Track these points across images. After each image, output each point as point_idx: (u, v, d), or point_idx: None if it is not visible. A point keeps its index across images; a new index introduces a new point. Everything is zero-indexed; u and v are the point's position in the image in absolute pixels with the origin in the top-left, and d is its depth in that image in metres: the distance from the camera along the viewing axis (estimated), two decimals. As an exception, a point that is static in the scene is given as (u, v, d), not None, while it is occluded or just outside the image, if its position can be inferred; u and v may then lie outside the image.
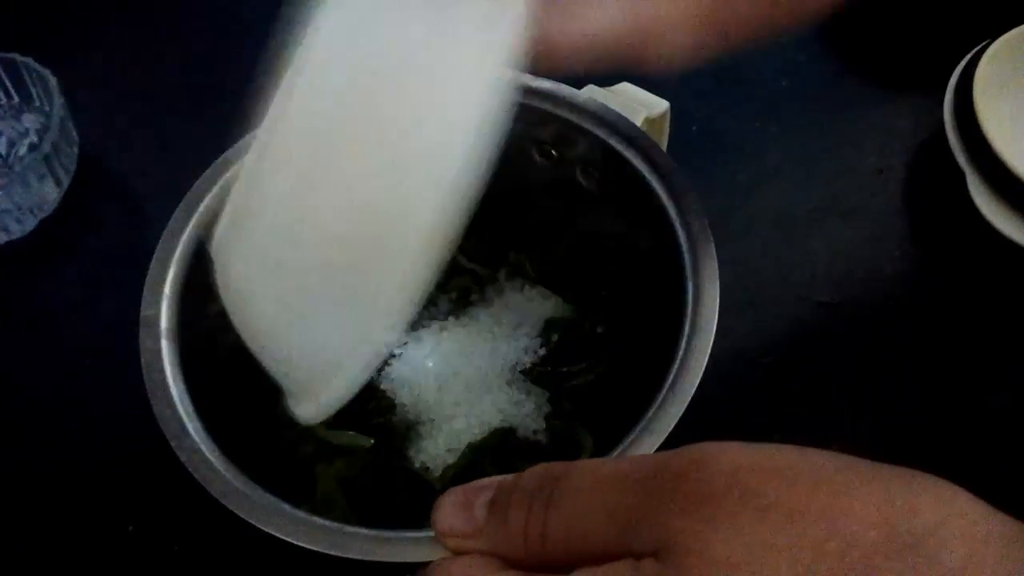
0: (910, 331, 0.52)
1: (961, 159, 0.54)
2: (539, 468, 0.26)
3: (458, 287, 0.45)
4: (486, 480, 0.27)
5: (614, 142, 0.38)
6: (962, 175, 0.54)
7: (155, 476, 0.46)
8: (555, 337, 0.43)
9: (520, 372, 0.42)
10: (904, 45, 0.64)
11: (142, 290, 0.36)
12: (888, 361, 0.51)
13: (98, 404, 0.50)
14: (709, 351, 0.32)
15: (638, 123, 0.39)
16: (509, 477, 0.27)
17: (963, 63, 0.58)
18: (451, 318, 0.44)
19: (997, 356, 0.51)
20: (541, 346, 0.43)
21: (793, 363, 0.51)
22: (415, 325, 0.44)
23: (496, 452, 0.39)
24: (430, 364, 0.41)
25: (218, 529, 0.44)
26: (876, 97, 0.62)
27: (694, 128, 0.59)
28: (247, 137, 0.39)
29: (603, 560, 0.22)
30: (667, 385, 0.31)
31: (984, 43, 0.57)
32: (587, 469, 0.25)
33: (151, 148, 0.61)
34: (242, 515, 0.31)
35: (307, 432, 0.41)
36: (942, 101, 0.56)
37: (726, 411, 0.46)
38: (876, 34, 0.65)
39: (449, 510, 0.27)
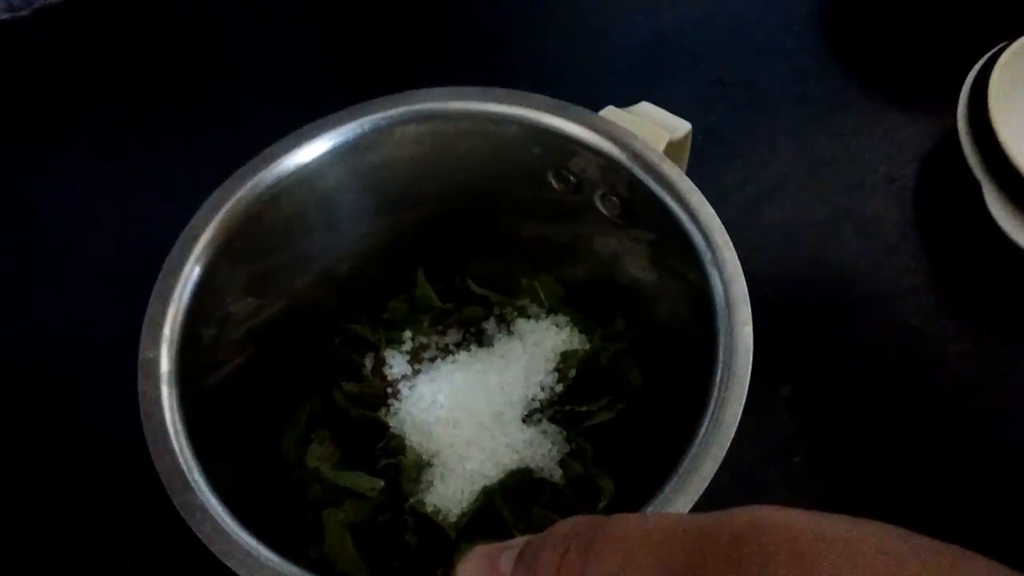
0: (924, 343, 0.51)
1: (977, 169, 0.53)
2: (572, 519, 0.24)
3: (469, 316, 0.43)
4: (512, 540, 0.26)
5: (637, 170, 0.36)
6: (976, 184, 0.53)
7: (154, 514, 0.44)
8: (572, 373, 0.41)
9: (535, 410, 0.40)
10: (915, 50, 0.63)
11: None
12: (901, 373, 0.50)
13: (96, 439, 0.48)
14: (743, 402, 0.30)
15: (661, 147, 0.37)
16: (536, 536, 0.25)
17: (976, 69, 0.56)
18: (462, 351, 0.42)
19: (1012, 367, 0.50)
20: (557, 381, 0.41)
21: (808, 377, 0.50)
22: (423, 358, 0.42)
23: (512, 495, 0.37)
24: (441, 399, 0.39)
25: (217, 570, 0.43)
26: (886, 104, 0.61)
27: (700, 136, 0.57)
28: (245, 166, 0.37)
29: None
30: (699, 439, 0.30)
31: (998, 47, 0.55)
32: (632, 520, 0.23)
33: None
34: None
35: (314, 473, 0.39)
36: (953, 107, 0.55)
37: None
38: (886, 40, 0.64)
39: (473, 563, 0.26)
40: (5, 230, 0.58)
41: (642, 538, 0.22)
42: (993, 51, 0.56)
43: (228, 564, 0.29)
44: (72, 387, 0.50)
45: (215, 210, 0.36)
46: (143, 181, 0.59)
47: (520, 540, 0.25)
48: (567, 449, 0.39)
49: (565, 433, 0.39)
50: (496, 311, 0.45)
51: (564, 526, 0.24)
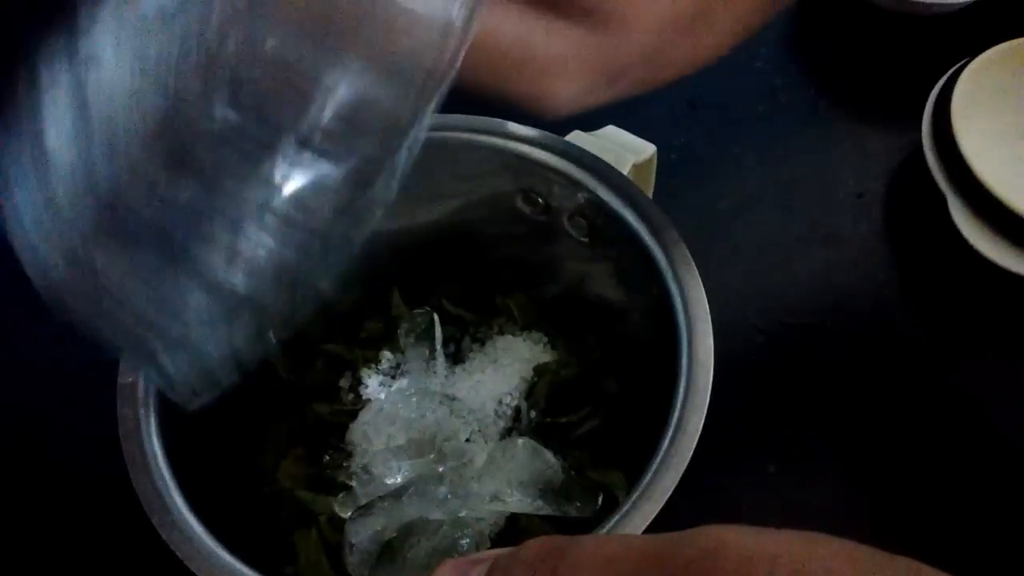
0: (894, 354, 0.52)
1: (941, 182, 0.54)
2: (539, 540, 0.25)
3: (444, 336, 0.44)
4: (481, 553, 0.27)
5: (602, 192, 0.37)
6: (943, 197, 0.54)
7: (132, 536, 0.45)
8: (545, 387, 0.42)
9: (511, 427, 0.41)
10: (880, 68, 0.64)
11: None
12: (872, 385, 0.51)
13: (70, 455, 0.49)
14: (705, 414, 0.31)
15: (625, 171, 0.38)
16: (506, 551, 0.26)
17: (939, 85, 0.58)
18: (434, 379, 0.43)
19: (980, 377, 0.51)
20: (532, 395, 0.42)
21: (777, 389, 0.51)
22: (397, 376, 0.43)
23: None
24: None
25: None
26: (854, 121, 0.63)
27: (673, 156, 0.59)
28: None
29: None
30: (663, 450, 0.31)
31: (960, 64, 0.57)
32: (593, 545, 0.24)
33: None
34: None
35: (286, 493, 0.40)
36: (918, 123, 0.57)
37: (713, 438, 0.46)
38: (852, 58, 0.65)
39: None
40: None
41: (603, 564, 0.23)
42: (955, 67, 0.57)
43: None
44: (49, 411, 0.51)
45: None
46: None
47: (489, 554, 0.26)
48: (562, 462, 0.39)
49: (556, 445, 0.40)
50: (471, 330, 0.46)
51: (531, 548, 0.24)
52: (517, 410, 0.42)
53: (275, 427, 0.43)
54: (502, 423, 0.41)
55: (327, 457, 0.42)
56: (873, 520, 0.47)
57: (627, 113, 0.42)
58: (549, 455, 0.39)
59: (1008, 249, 0.52)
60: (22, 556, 0.46)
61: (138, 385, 0.34)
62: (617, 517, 0.30)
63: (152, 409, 0.34)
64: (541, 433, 0.41)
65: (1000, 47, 0.56)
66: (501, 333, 0.45)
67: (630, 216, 0.36)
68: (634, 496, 0.30)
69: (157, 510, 0.31)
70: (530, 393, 0.42)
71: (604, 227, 0.38)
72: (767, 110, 0.63)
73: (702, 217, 0.57)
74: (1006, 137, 0.55)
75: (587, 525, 0.39)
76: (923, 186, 0.55)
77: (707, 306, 0.34)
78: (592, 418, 0.41)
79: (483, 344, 0.45)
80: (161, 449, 0.33)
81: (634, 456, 0.37)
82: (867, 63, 0.65)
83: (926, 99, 0.57)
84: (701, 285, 0.34)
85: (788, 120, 0.63)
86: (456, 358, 0.45)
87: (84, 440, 0.48)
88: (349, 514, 0.38)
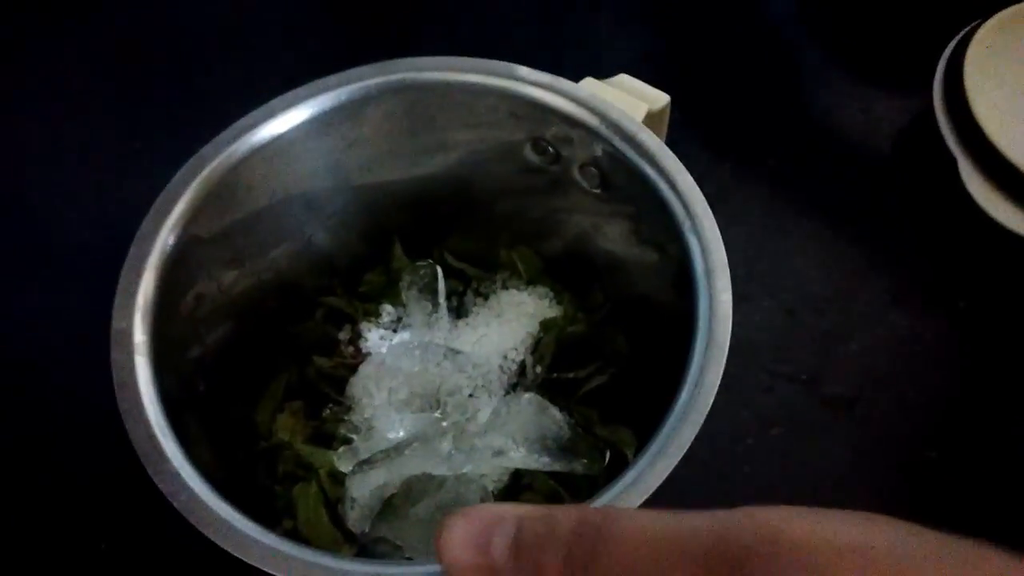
0: (903, 320, 0.51)
1: (952, 145, 0.54)
2: (573, 513, 0.22)
3: (447, 289, 0.43)
4: (501, 509, 0.24)
5: (618, 141, 0.36)
6: (952, 160, 0.53)
7: (127, 492, 0.44)
8: (552, 341, 0.41)
9: (517, 383, 0.40)
10: (891, 27, 0.63)
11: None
12: (879, 350, 0.50)
13: (66, 417, 0.48)
14: (723, 369, 0.30)
15: (640, 119, 0.37)
16: (534, 514, 0.23)
17: (951, 45, 0.57)
18: (437, 333, 0.42)
19: (991, 344, 0.51)
20: (539, 351, 0.41)
21: (780, 351, 0.50)
22: (392, 335, 0.42)
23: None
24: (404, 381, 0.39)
25: (191, 547, 0.43)
26: (862, 81, 0.62)
27: (677, 116, 0.57)
28: (220, 135, 0.36)
29: None
30: (679, 405, 0.30)
31: (973, 24, 0.56)
32: (633, 527, 0.22)
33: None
34: (227, 547, 0.29)
35: (286, 449, 0.39)
36: (929, 84, 0.56)
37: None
38: (862, 17, 0.64)
39: (460, 539, 0.24)
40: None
41: (646, 551, 0.21)
42: (969, 27, 0.56)
43: (207, 534, 0.29)
44: (42, 367, 0.50)
45: (189, 179, 0.35)
46: (111, 152, 0.58)
47: (511, 514, 0.23)
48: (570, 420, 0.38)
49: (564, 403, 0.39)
50: (474, 284, 0.45)
51: (564, 523, 0.22)
52: (522, 365, 0.41)
53: (273, 380, 0.42)
54: (507, 378, 0.40)
55: (327, 411, 0.41)
56: (880, 480, 0.46)
57: (631, 68, 0.41)
58: (555, 411, 0.38)
59: (1020, 213, 0.51)
60: (13, 515, 0.46)
61: (132, 331, 0.32)
62: (632, 472, 0.29)
63: (148, 357, 0.32)
64: (547, 389, 0.40)
65: (1015, 7, 0.55)
66: (505, 287, 0.44)
67: (647, 166, 0.35)
68: (651, 451, 0.29)
69: (153, 460, 0.30)
70: (536, 348, 0.41)
71: (618, 177, 0.37)
72: (774, 71, 0.62)
73: (705, 178, 0.55)
74: (1020, 100, 0.54)
75: (594, 482, 0.38)
76: (933, 149, 0.54)
77: (726, 259, 0.33)
78: (600, 374, 0.40)
79: (486, 299, 0.44)
80: (157, 399, 0.32)
81: (643, 413, 0.36)
82: (877, 22, 0.64)
83: (935, 61, 0.56)
84: (720, 237, 0.33)
85: (795, 81, 0.62)
86: (459, 312, 0.44)
87: (74, 393, 0.47)
88: (350, 468, 0.37)
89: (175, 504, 0.29)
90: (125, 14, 0.65)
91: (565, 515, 0.22)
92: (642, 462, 0.29)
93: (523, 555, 0.23)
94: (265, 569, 0.28)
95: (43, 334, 0.51)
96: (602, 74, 0.40)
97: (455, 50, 0.39)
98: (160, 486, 0.30)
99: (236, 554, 0.29)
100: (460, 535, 0.24)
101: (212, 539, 0.29)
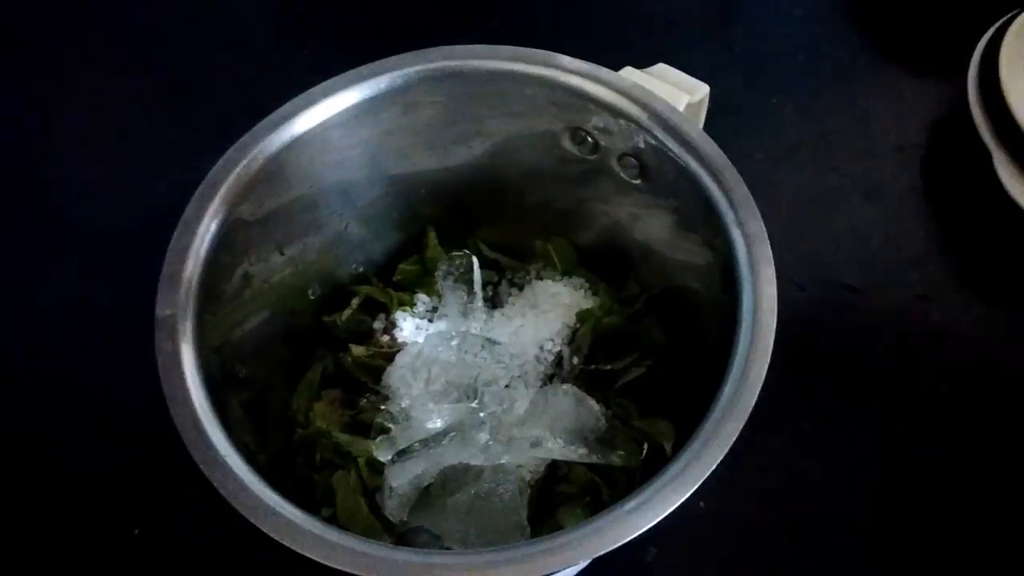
0: (935, 311, 0.51)
1: (987, 137, 0.53)
2: None
3: (482, 280, 0.43)
4: None
5: (659, 130, 0.36)
6: (986, 152, 0.53)
7: (160, 479, 0.44)
8: (588, 333, 0.41)
9: (554, 374, 0.40)
10: (926, 17, 0.63)
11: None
12: (912, 341, 0.50)
13: (101, 404, 0.48)
14: (768, 361, 0.30)
15: (680, 109, 0.37)
16: None
17: (987, 36, 0.56)
18: (472, 323, 0.42)
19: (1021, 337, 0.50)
20: (575, 342, 0.41)
21: (817, 346, 0.50)
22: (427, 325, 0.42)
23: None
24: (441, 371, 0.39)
25: (224, 532, 0.43)
26: (896, 71, 0.61)
27: (711, 104, 0.57)
28: (261, 122, 0.36)
29: None
30: (724, 398, 0.30)
31: (1010, 14, 0.55)
32: None
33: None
34: (273, 535, 0.29)
35: (323, 437, 0.39)
36: (963, 76, 0.55)
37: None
38: (897, 6, 0.64)
39: None
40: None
41: None
42: (1005, 18, 0.55)
43: (252, 521, 0.29)
44: (83, 351, 0.50)
45: (231, 166, 0.35)
46: (147, 139, 0.58)
47: None
48: (607, 411, 0.38)
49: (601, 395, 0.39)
50: (508, 275, 0.44)
51: None
52: (559, 356, 0.41)
53: (308, 369, 0.42)
54: (543, 369, 0.40)
55: (364, 400, 0.41)
56: (913, 476, 0.46)
57: (666, 58, 0.40)
58: (593, 402, 0.38)
59: (1055, 207, 0.51)
60: (48, 499, 0.46)
61: (176, 317, 0.32)
62: (677, 464, 0.29)
63: (191, 344, 0.32)
64: (584, 380, 0.40)
65: (1053, -1, 0.55)
66: (539, 278, 0.44)
67: (690, 158, 0.35)
68: (695, 444, 0.29)
69: (198, 446, 0.30)
70: (572, 339, 0.41)
71: (659, 169, 0.37)
72: (807, 60, 0.62)
73: (740, 168, 0.55)
74: (1057, 93, 0.54)
75: (631, 474, 0.38)
76: (966, 140, 0.54)
77: (770, 252, 0.33)
78: (637, 366, 0.40)
79: (521, 289, 0.44)
80: (201, 385, 0.32)
81: (681, 406, 0.36)
82: (911, 11, 0.63)
83: (969, 51, 0.56)
84: (764, 228, 0.33)
85: (828, 70, 0.61)
86: (493, 303, 0.44)
87: (109, 380, 0.48)
88: (388, 457, 0.37)
89: (221, 491, 0.30)
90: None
91: None
92: (687, 455, 0.29)
93: None
94: (311, 556, 0.28)
95: (77, 320, 0.51)
96: (641, 63, 0.39)
97: (494, 42, 0.39)
98: (206, 472, 0.30)
99: (283, 542, 0.29)
100: None
101: (258, 526, 0.29)
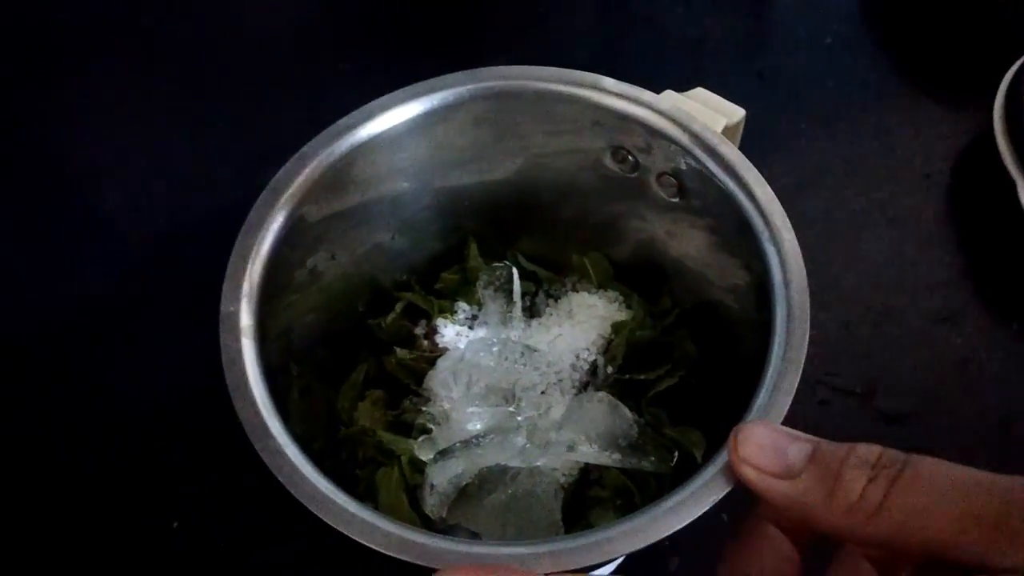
0: (959, 338, 0.52)
1: (1011, 166, 0.54)
2: (873, 446, 0.25)
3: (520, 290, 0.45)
4: (792, 430, 0.27)
5: (699, 152, 0.37)
6: (1012, 182, 0.54)
7: (198, 472, 0.46)
8: (623, 344, 0.42)
9: (588, 383, 0.42)
10: (953, 47, 0.64)
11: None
12: (936, 368, 0.51)
13: (141, 400, 0.50)
14: (800, 373, 0.32)
15: (718, 131, 0.38)
16: (831, 443, 0.26)
17: (1015, 67, 0.57)
18: (511, 331, 0.43)
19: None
20: (609, 352, 0.42)
21: (838, 369, 0.51)
22: (467, 332, 0.44)
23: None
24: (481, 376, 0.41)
25: (261, 525, 0.45)
26: (923, 100, 0.63)
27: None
28: (325, 131, 0.38)
29: (934, 556, 0.22)
30: (755, 408, 0.31)
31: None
32: (937, 465, 0.23)
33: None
34: (327, 520, 0.30)
35: (366, 435, 0.41)
36: (990, 105, 0.56)
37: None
38: (924, 36, 0.65)
39: (756, 441, 0.27)
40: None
41: (952, 484, 0.23)
42: (1032, 50, 0.57)
43: (308, 507, 0.30)
44: (135, 348, 0.52)
45: (297, 170, 0.37)
46: (183, 159, 0.61)
47: (806, 436, 0.26)
48: (639, 420, 0.40)
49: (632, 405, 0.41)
50: (545, 286, 0.46)
51: (869, 450, 0.24)
52: (594, 365, 0.42)
53: (353, 370, 0.44)
54: (579, 377, 0.42)
55: (406, 401, 0.42)
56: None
57: (697, 84, 0.42)
58: (626, 410, 0.39)
59: (1078, 237, 0.52)
60: (88, 487, 0.48)
61: (239, 314, 0.34)
62: (711, 468, 0.30)
63: (253, 339, 0.34)
64: (618, 389, 0.42)
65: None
66: (575, 290, 0.46)
67: (728, 177, 0.37)
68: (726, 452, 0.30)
69: (259, 435, 0.32)
70: (607, 349, 0.43)
71: (698, 188, 0.39)
72: (836, 86, 0.63)
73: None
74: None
75: (662, 481, 0.39)
76: (992, 169, 0.55)
77: (804, 268, 0.34)
78: (669, 377, 0.42)
79: (557, 300, 0.46)
80: (261, 379, 0.34)
81: (712, 417, 0.37)
82: (939, 41, 0.65)
83: (998, 81, 0.57)
84: (798, 248, 0.35)
85: (856, 97, 0.63)
86: (531, 312, 0.46)
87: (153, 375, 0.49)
88: (430, 457, 0.39)
89: (280, 478, 0.31)
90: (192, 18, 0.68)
91: (864, 446, 0.25)
92: (721, 458, 0.30)
93: (822, 463, 0.25)
94: (363, 541, 0.30)
95: (127, 316, 0.53)
96: (681, 86, 0.41)
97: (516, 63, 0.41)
98: (267, 461, 0.31)
99: (337, 527, 0.30)
100: (756, 438, 0.27)
101: (313, 511, 0.31)
